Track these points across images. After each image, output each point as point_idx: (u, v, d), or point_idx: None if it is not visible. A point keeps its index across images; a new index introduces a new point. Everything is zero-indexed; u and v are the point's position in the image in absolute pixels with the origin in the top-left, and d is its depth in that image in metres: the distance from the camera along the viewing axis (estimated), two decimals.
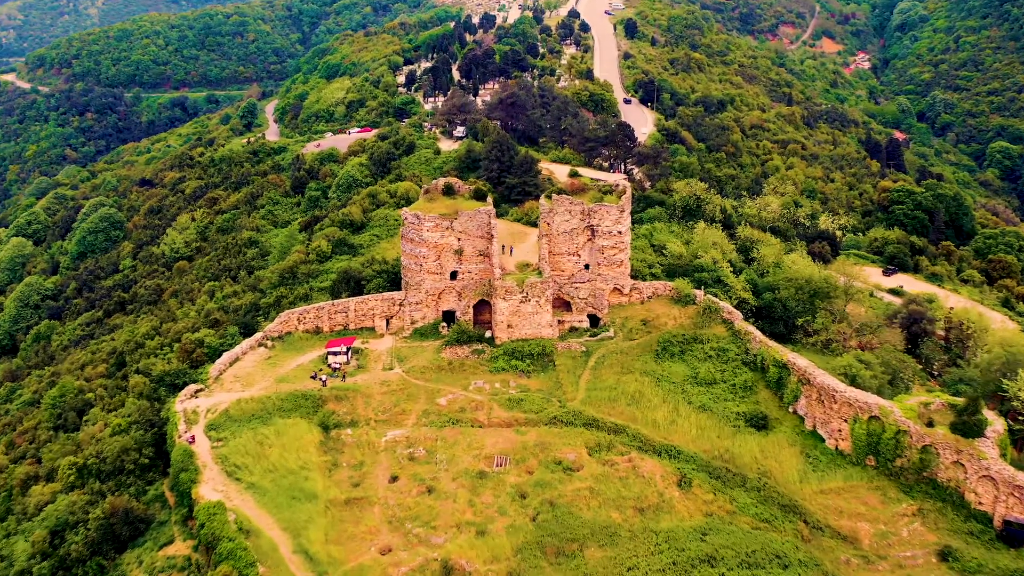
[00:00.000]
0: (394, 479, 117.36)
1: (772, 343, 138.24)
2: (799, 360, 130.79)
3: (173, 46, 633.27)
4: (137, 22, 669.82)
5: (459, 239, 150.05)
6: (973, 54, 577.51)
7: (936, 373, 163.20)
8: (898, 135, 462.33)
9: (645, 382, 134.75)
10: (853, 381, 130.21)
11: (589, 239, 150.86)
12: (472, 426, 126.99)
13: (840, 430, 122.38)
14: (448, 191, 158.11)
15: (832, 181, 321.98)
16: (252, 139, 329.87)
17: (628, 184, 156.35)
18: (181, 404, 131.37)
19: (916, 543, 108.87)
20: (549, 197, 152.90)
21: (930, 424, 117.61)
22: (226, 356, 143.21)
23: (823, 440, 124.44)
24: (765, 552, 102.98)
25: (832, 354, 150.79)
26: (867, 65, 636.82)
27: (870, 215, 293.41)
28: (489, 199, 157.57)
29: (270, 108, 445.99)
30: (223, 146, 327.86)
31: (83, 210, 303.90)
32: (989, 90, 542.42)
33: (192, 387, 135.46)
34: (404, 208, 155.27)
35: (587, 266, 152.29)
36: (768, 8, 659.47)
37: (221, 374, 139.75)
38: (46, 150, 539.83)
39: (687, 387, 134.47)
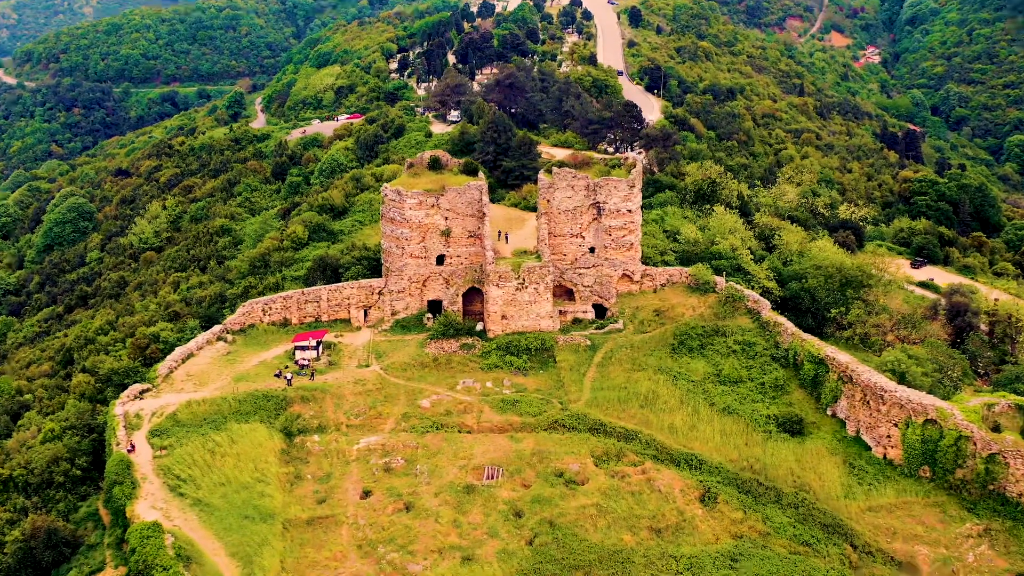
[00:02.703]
0: (366, 494, 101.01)
1: (806, 336, 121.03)
2: (840, 355, 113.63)
3: (163, 40, 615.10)
4: (127, 16, 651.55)
5: (446, 218, 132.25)
6: (987, 47, 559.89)
7: (983, 372, 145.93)
8: (913, 128, 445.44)
9: (660, 381, 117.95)
10: (902, 379, 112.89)
11: (595, 218, 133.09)
12: (459, 432, 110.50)
13: (889, 436, 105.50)
14: (435, 165, 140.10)
15: (849, 171, 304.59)
16: (235, 127, 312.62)
17: (638, 157, 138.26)
18: (122, 406, 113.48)
19: (984, 570, 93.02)
20: (549, 172, 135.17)
21: (996, 429, 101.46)
22: (178, 351, 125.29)
23: (869, 448, 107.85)
24: None
25: (869, 350, 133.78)
26: (877, 59, 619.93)
27: (890, 206, 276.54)
28: (481, 174, 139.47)
29: (261, 101, 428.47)
30: (204, 134, 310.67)
31: (52, 201, 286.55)
32: (1005, 83, 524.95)
33: (136, 387, 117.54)
34: (385, 184, 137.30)
35: (592, 249, 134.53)
36: (775, 1, 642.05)
37: (172, 372, 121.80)
38: (31, 146, 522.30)
39: (708, 386, 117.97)
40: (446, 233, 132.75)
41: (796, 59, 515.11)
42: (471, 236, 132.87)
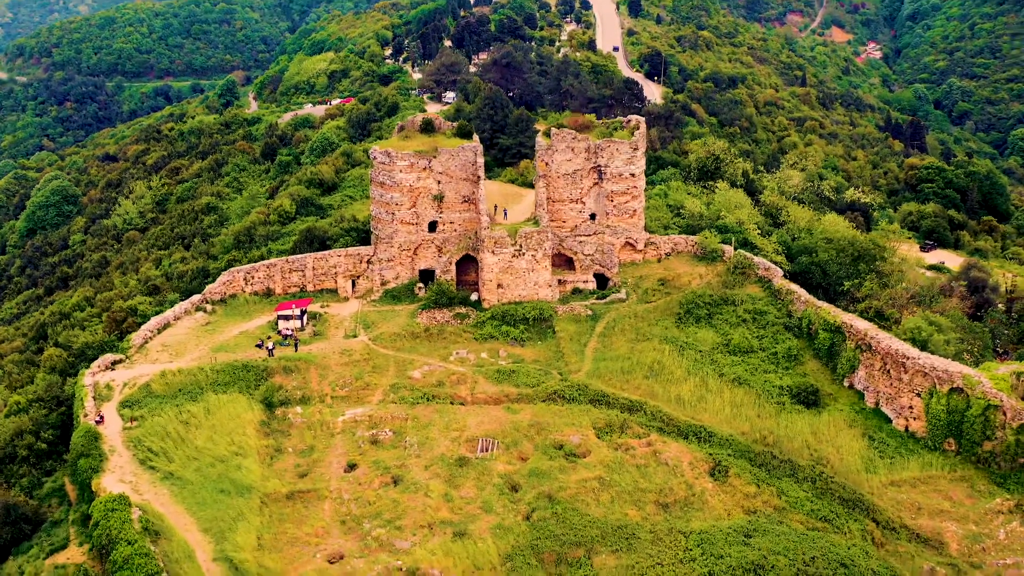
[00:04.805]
0: (351, 467, 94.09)
1: (821, 303, 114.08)
2: (857, 322, 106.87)
3: (157, 34, 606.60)
4: (120, 10, 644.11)
5: (439, 182, 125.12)
6: (990, 41, 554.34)
7: (1002, 350, 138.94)
8: (917, 120, 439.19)
9: (665, 351, 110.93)
10: (924, 348, 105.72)
11: (596, 183, 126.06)
12: (452, 403, 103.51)
13: (912, 407, 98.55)
14: (427, 128, 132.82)
15: (854, 159, 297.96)
16: (226, 112, 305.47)
17: (642, 119, 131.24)
18: (92, 377, 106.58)
19: (1017, 548, 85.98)
20: (547, 134, 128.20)
21: None
22: (154, 321, 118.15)
23: (889, 420, 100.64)
24: (827, 559, 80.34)
25: (885, 323, 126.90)
26: (878, 55, 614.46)
27: (896, 194, 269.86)
28: (475, 137, 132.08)
29: (253, 90, 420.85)
30: (193, 118, 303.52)
31: (37, 186, 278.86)
32: (1008, 77, 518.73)
33: (108, 357, 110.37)
34: (374, 146, 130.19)
35: (593, 216, 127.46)
36: None
37: (146, 342, 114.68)
38: (22, 140, 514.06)
39: (717, 357, 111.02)
40: (439, 198, 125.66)
41: (797, 52, 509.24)
42: (465, 201, 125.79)
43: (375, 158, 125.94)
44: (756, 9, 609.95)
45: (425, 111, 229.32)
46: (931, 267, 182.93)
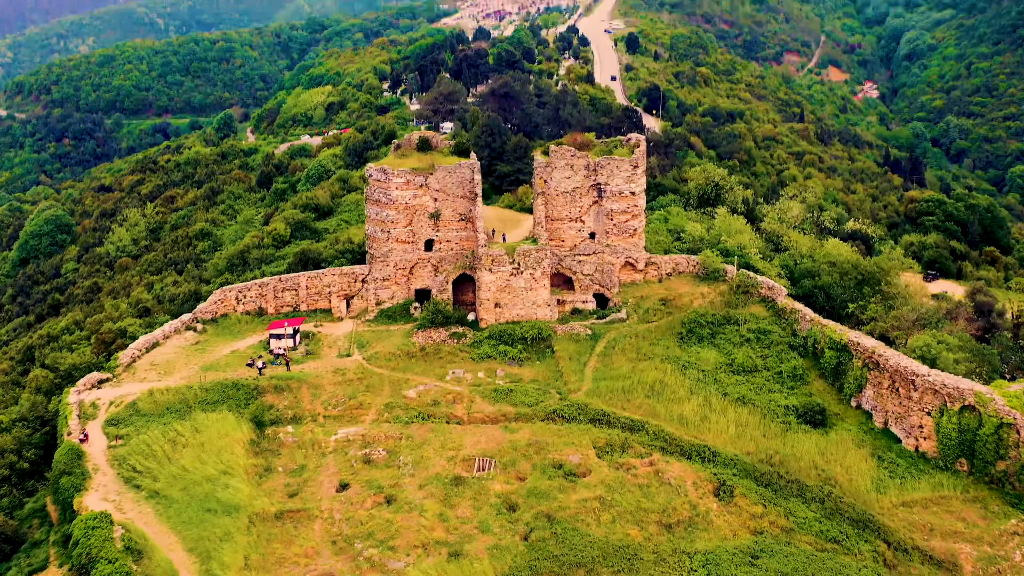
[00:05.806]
0: (343, 487, 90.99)
1: (827, 321, 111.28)
2: (865, 340, 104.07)
3: (156, 72, 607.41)
4: (120, 48, 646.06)
5: (436, 199, 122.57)
6: (986, 80, 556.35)
7: (1010, 375, 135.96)
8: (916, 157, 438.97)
9: (667, 370, 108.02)
10: (932, 366, 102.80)
11: (595, 201, 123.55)
12: (448, 422, 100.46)
13: (922, 426, 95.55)
14: (423, 146, 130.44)
15: (854, 192, 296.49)
16: (223, 143, 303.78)
17: (642, 137, 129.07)
18: (77, 395, 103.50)
19: None
20: (546, 152, 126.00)
21: None
22: (142, 340, 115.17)
23: (899, 440, 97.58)
24: None
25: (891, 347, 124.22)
26: (875, 94, 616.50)
27: (896, 227, 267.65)
28: (473, 155, 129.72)
29: (251, 122, 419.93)
30: (189, 149, 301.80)
31: (30, 216, 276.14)
32: (1005, 115, 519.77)
33: (94, 375, 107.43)
34: (369, 164, 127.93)
35: (593, 235, 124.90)
36: (772, 36, 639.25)
37: (134, 361, 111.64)
38: (20, 176, 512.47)
39: (721, 376, 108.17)
40: (435, 216, 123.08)
41: (795, 90, 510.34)
42: (462, 219, 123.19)
43: (371, 175, 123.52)
44: (754, 48, 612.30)
45: None
46: (935, 296, 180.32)
